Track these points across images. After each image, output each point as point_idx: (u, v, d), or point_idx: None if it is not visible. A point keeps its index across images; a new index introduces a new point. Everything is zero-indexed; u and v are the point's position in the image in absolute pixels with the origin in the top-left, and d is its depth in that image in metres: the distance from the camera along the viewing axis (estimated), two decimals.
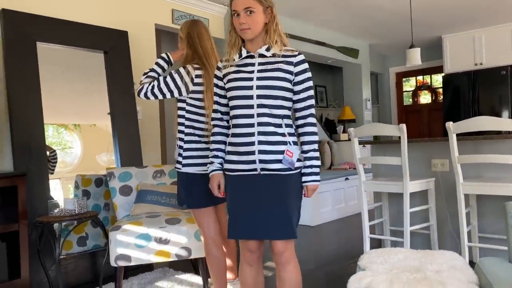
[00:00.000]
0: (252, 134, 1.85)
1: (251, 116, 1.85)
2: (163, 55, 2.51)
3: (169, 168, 3.31)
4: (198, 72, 2.38)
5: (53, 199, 3.12)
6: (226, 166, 1.94)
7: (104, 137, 3.82)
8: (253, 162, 1.85)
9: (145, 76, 2.44)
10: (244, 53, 1.91)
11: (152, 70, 2.46)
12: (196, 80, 2.36)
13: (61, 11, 3.45)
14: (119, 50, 3.74)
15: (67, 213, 2.82)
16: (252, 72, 1.87)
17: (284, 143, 1.86)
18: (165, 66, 2.48)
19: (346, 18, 5.55)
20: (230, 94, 1.91)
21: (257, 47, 1.90)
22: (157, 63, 2.48)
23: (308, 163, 1.89)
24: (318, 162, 1.90)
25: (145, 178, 3.19)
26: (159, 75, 2.45)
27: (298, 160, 1.88)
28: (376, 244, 3.77)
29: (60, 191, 3.62)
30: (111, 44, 3.69)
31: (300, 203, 1.93)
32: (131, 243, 2.66)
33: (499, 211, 3.16)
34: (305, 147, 1.90)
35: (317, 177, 1.90)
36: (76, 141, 3.97)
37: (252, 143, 1.85)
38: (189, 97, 2.37)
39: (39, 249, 2.88)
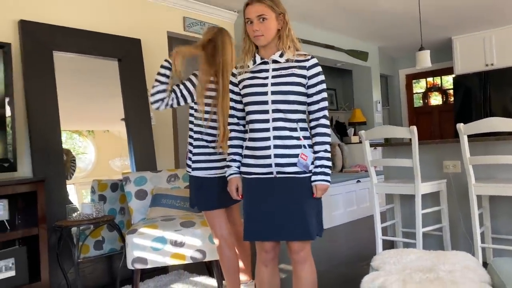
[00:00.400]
0: (268, 138, 1.90)
1: (267, 121, 1.90)
2: (164, 63, 2.47)
3: (183, 172, 3.36)
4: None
5: (72, 203, 3.19)
6: (243, 169, 2.00)
7: (117, 143, 3.89)
8: (269, 165, 1.90)
9: (156, 91, 2.41)
10: (258, 60, 1.96)
11: (161, 82, 2.42)
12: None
13: (77, 21, 3.54)
14: (132, 57, 3.82)
15: (85, 217, 2.89)
16: (266, 78, 1.92)
17: (299, 146, 1.90)
18: (169, 72, 2.46)
19: (354, 21, 5.58)
20: (246, 100, 1.96)
21: (270, 53, 1.95)
22: (163, 74, 2.44)
23: (318, 162, 1.92)
24: (328, 163, 1.94)
25: (160, 182, 3.25)
26: (167, 84, 2.45)
27: (313, 163, 1.92)
28: (389, 246, 3.78)
29: (75, 196, 3.69)
30: (125, 52, 3.77)
31: (318, 204, 1.96)
32: (147, 246, 2.71)
33: None
34: (316, 148, 1.94)
35: (327, 177, 1.92)
36: (89, 146, 4.05)
37: (268, 147, 1.90)
38: (197, 102, 2.44)
39: (58, 252, 2.95)
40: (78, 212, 2.98)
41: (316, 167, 1.92)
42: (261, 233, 1.95)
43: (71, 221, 2.83)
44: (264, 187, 1.94)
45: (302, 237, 1.91)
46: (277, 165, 1.90)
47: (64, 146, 3.61)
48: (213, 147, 2.43)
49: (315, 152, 1.94)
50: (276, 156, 1.89)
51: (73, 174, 3.55)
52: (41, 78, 3.22)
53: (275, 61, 1.94)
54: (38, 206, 2.76)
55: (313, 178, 1.92)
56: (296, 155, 1.89)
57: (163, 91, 2.42)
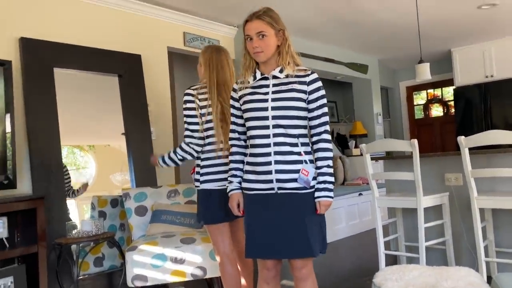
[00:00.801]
0: (268, 154, 1.89)
1: (267, 136, 1.90)
2: (160, 163, 2.55)
3: (183, 187, 3.35)
4: (203, 93, 2.44)
5: (72, 220, 3.18)
6: (244, 185, 1.98)
7: (118, 157, 3.89)
8: (270, 181, 1.89)
9: (183, 155, 2.45)
10: (258, 75, 1.97)
11: (175, 153, 2.47)
12: (202, 97, 2.44)
13: (77, 37, 3.56)
14: (132, 73, 3.83)
15: (84, 234, 2.87)
16: (266, 93, 1.92)
17: (300, 162, 1.89)
18: (169, 161, 2.51)
19: (354, 34, 5.61)
20: (246, 115, 1.97)
21: (270, 69, 1.96)
22: (171, 160, 2.51)
23: (321, 178, 1.91)
24: (331, 178, 1.92)
25: (160, 198, 3.23)
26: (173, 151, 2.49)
27: (314, 178, 1.91)
28: (392, 260, 3.74)
29: (75, 211, 3.69)
30: (125, 68, 3.78)
31: (321, 220, 1.94)
32: (147, 263, 2.69)
33: None
34: (319, 163, 1.92)
35: (330, 193, 1.91)
36: (90, 161, 4.05)
37: (269, 163, 1.89)
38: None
39: (57, 270, 2.92)
40: (77, 229, 2.96)
41: (319, 183, 1.91)
42: (263, 251, 1.92)
43: (71, 239, 2.81)
44: (265, 203, 1.93)
45: (304, 254, 1.89)
46: (278, 180, 1.89)
47: (65, 160, 3.61)
48: (219, 157, 2.41)
49: (317, 168, 1.92)
50: (277, 171, 1.88)
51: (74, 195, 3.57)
52: (41, 94, 3.23)
53: (275, 77, 1.95)
54: (37, 223, 2.74)
55: (316, 194, 1.91)
56: (297, 171, 1.88)
57: (181, 151, 2.45)
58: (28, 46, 3.21)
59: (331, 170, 1.93)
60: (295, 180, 1.88)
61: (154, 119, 3.99)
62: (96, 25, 3.73)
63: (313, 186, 1.91)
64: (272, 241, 1.89)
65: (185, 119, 2.45)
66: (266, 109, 1.90)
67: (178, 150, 2.46)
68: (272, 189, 1.90)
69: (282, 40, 1.95)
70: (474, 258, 3.17)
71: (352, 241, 5.02)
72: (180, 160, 2.47)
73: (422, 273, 1.92)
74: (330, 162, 1.93)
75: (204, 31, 4.64)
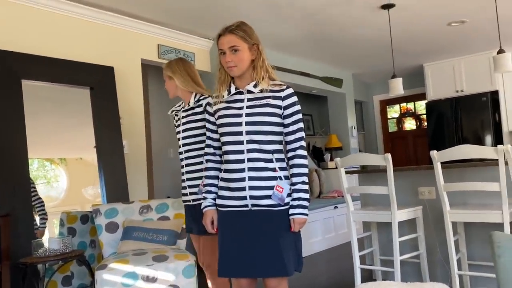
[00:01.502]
0: (242, 170, 1.86)
1: (241, 152, 1.86)
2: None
3: (156, 203, 3.26)
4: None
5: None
6: (218, 201, 1.95)
7: (91, 170, 3.79)
8: (244, 198, 1.86)
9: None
10: (233, 90, 1.94)
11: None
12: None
13: (47, 48, 3.46)
14: (105, 85, 3.75)
15: (51, 253, 2.75)
16: (241, 108, 1.90)
17: (275, 178, 1.86)
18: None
19: (328, 49, 5.67)
20: (221, 130, 1.94)
21: (245, 83, 1.93)
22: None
23: (295, 195, 1.88)
24: (306, 195, 1.89)
25: (132, 214, 3.14)
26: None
27: (289, 195, 1.88)
28: (368, 274, 3.73)
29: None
30: (97, 80, 3.70)
31: (296, 238, 1.91)
32: (117, 282, 2.59)
33: (487, 238, 3.16)
34: (294, 179, 1.89)
35: (305, 210, 1.87)
36: (62, 175, 3.93)
37: (242, 179, 1.85)
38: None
39: None
40: (44, 247, 2.84)
41: (294, 199, 1.88)
42: (236, 269, 1.88)
43: (37, 258, 2.69)
44: (239, 220, 1.89)
45: (278, 273, 1.84)
46: (252, 197, 1.85)
47: (36, 174, 3.47)
48: None
49: (292, 184, 1.89)
50: (251, 188, 1.85)
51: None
52: (7, 107, 3.12)
53: (249, 91, 1.92)
54: (1, 242, 2.61)
55: (291, 211, 1.87)
56: (272, 187, 1.85)
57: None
58: None
59: (306, 187, 1.90)
60: (269, 196, 1.85)
61: (126, 132, 3.91)
62: (67, 36, 3.64)
63: (287, 203, 1.88)
64: (246, 259, 1.85)
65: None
66: (240, 124, 1.88)
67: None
68: (246, 205, 1.87)
69: (257, 54, 1.93)
70: (448, 271, 3.19)
71: (328, 254, 5.00)
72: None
73: None
74: (305, 178, 1.91)
75: (179, 43, 4.59)
